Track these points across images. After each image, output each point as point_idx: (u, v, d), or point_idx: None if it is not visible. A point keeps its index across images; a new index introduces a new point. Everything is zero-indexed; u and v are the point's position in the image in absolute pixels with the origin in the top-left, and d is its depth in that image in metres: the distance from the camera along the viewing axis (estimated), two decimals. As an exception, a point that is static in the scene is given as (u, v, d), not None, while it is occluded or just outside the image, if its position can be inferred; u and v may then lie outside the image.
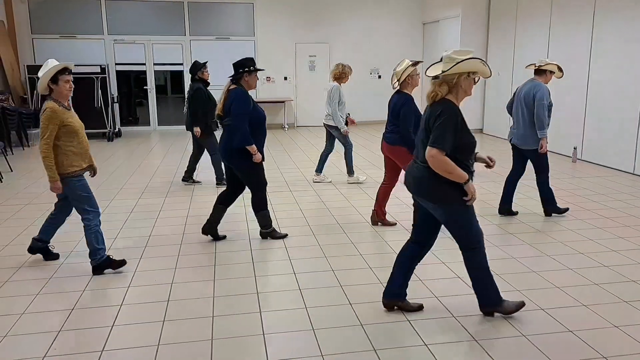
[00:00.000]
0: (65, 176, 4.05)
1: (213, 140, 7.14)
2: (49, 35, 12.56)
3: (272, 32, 13.54)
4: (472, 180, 3.20)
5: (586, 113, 8.79)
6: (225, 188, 5.10)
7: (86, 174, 4.28)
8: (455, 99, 3.22)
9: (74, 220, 5.73)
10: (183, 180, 7.51)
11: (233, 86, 4.74)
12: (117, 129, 12.40)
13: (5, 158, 8.68)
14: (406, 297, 3.59)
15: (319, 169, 7.51)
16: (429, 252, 4.65)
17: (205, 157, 7.54)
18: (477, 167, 3.58)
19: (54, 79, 3.96)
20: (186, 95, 7.23)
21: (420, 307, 3.60)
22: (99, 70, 11.65)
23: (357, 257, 4.59)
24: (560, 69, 5.48)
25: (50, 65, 3.94)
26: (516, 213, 5.78)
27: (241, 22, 13.46)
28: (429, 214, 3.39)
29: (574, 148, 8.85)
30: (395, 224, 5.51)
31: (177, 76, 13.59)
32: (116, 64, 12.99)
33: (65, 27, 12.63)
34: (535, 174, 5.63)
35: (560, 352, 3.06)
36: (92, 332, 3.34)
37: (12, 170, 8.26)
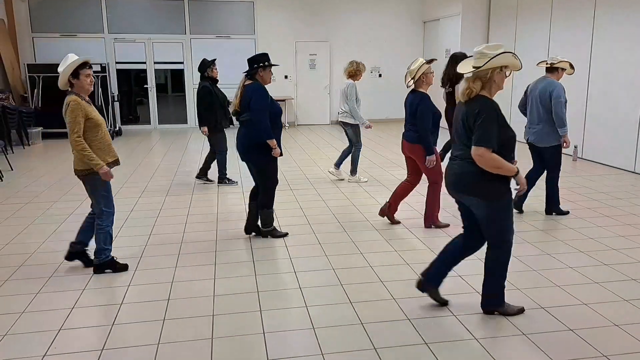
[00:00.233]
0: (90, 172, 4.02)
1: (221, 139, 7.13)
2: (49, 34, 12.55)
3: (273, 31, 13.53)
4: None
5: (587, 111, 8.78)
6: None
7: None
8: (489, 93, 3.22)
9: (75, 219, 5.73)
10: (197, 177, 7.48)
11: (249, 81, 4.76)
12: (117, 128, 12.40)
13: (6, 157, 8.68)
14: (439, 287, 3.59)
15: (339, 164, 7.55)
16: (430, 250, 4.66)
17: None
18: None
19: (75, 74, 3.93)
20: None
21: (446, 302, 3.62)
22: (100, 69, 11.65)
23: (357, 256, 4.59)
24: (572, 66, 5.51)
25: (70, 60, 3.91)
26: (522, 211, 5.80)
27: (241, 20, 13.45)
28: (472, 214, 3.38)
29: (575, 147, 8.84)
30: (399, 222, 5.50)
31: (178, 75, 13.58)
32: (116, 62, 12.99)
33: (66, 25, 12.62)
34: (546, 171, 5.63)
35: (561, 351, 3.06)
36: (92, 330, 3.34)
37: (12, 169, 8.25)
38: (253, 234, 5.13)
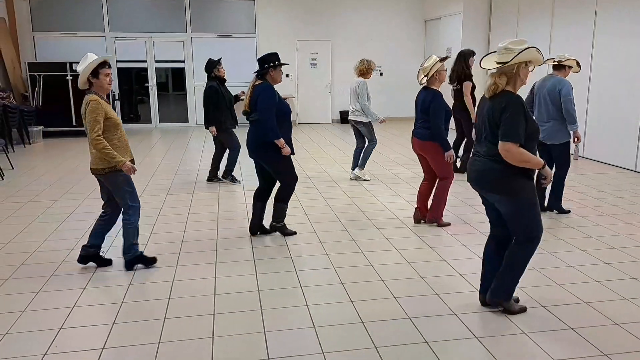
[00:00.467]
0: (110, 170, 4.02)
1: (232, 137, 7.14)
2: (50, 33, 12.56)
3: (274, 30, 13.53)
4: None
5: (588, 110, 8.77)
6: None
7: None
8: (514, 88, 3.23)
9: (76, 218, 5.74)
10: (208, 180, 7.41)
11: (258, 81, 4.78)
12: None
13: (7, 155, 8.68)
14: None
15: (355, 167, 7.52)
16: (431, 249, 4.66)
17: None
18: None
19: (95, 73, 3.95)
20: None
21: (517, 300, 3.57)
22: (100, 68, 11.63)
23: (358, 255, 4.59)
24: (578, 64, 5.53)
25: (90, 59, 3.93)
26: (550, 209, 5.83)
27: (243, 19, 13.45)
28: (497, 208, 3.39)
29: (576, 145, 8.81)
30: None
31: (179, 73, 13.58)
32: (117, 61, 12.99)
33: (67, 24, 12.62)
34: (555, 168, 5.64)
35: (561, 350, 3.05)
36: (92, 329, 3.35)
37: (13, 168, 8.26)
38: (258, 233, 5.13)
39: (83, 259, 4.34)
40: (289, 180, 4.94)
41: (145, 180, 7.51)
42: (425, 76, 5.04)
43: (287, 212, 5.13)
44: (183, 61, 13.35)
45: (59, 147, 10.39)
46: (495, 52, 3.32)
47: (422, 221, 5.46)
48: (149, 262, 4.34)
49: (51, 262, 4.49)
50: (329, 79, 14.05)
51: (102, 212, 4.31)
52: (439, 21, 13.28)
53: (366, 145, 7.40)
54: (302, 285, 3.97)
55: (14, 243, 4.98)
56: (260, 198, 5.08)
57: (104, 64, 3.98)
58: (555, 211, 5.75)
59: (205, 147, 10.44)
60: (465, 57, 7.40)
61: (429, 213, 5.39)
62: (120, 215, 4.26)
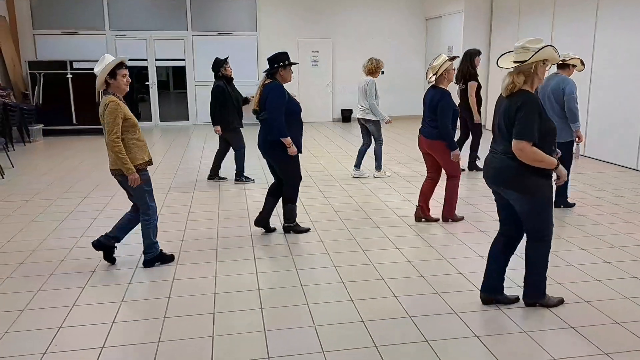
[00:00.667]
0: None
1: (237, 136, 7.13)
2: (51, 31, 12.54)
3: (275, 28, 13.52)
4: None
5: (589, 108, 8.75)
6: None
7: None
8: (531, 87, 3.26)
9: (76, 217, 5.73)
10: (209, 178, 7.40)
11: (268, 80, 4.81)
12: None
13: (7, 154, 8.68)
14: (504, 291, 3.60)
15: (358, 165, 7.57)
16: (432, 248, 4.65)
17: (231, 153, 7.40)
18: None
19: (112, 74, 3.97)
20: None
21: (517, 299, 3.60)
22: (101, 66, 11.62)
23: (359, 253, 4.58)
24: (582, 63, 5.55)
25: (107, 61, 3.95)
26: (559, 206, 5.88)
27: (244, 17, 13.43)
28: (510, 205, 3.40)
29: (577, 144, 8.80)
30: (439, 220, 5.45)
31: (179, 72, 13.57)
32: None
33: (67, 22, 12.61)
34: None
35: (561, 349, 3.05)
36: (92, 328, 3.34)
37: (13, 166, 8.26)
38: (262, 228, 5.17)
39: (98, 246, 4.32)
40: (294, 180, 4.98)
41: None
42: (434, 75, 5.07)
43: (273, 210, 5.15)
44: (184, 59, 13.34)
45: (59, 146, 10.38)
46: (511, 52, 3.35)
47: (422, 219, 5.45)
48: (168, 259, 4.40)
49: (51, 260, 4.48)
50: (330, 78, 14.03)
51: (133, 207, 4.36)
52: (440, 19, 13.26)
53: (373, 145, 7.44)
54: (303, 284, 3.96)
55: (14, 242, 4.97)
56: (273, 194, 5.12)
57: (121, 65, 4.00)
58: (562, 206, 5.80)
59: (206, 145, 10.43)
60: (471, 56, 7.40)
61: (442, 214, 5.41)
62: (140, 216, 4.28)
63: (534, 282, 3.48)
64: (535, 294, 3.51)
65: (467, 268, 4.22)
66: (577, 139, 5.54)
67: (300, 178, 5.02)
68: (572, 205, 5.88)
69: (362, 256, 4.53)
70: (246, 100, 7.23)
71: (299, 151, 4.86)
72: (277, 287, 3.94)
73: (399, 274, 4.13)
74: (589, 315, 3.45)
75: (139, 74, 13.51)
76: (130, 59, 12.94)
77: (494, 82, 11.91)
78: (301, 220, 5.48)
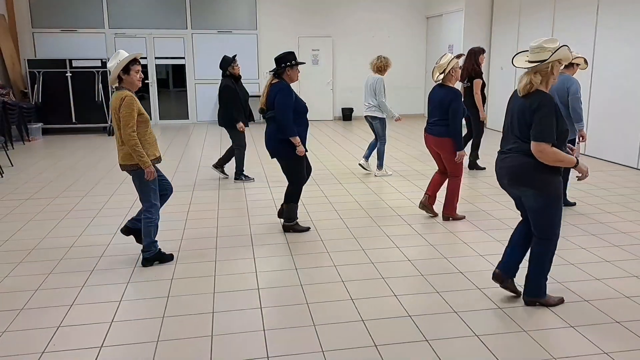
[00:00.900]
0: (140, 167, 4.09)
1: (240, 135, 7.13)
2: (50, 29, 12.53)
3: (275, 26, 13.50)
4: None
5: (590, 107, 8.73)
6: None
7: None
8: (546, 87, 3.28)
9: (75, 215, 5.72)
10: (214, 166, 7.44)
11: (275, 80, 4.85)
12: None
13: (6, 153, 8.67)
14: (514, 278, 3.63)
15: (368, 156, 7.69)
16: (432, 247, 4.64)
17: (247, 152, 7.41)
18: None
19: (126, 69, 4.02)
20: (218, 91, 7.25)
21: (520, 294, 3.63)
22: (100, 65, 11.62)
23: (359, 252, 4.57)
24: (586, 62, 5.56)
25: (121, 56, 4.00)
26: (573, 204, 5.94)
27: (243, 15, 13.42)
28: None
29: (577, 143, 8.78)
30: (437, 215, 5.53)
31: (179, 70, 13.55)
32: (118, 58, 12.94)
33: (66, 21, 12.60)
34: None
35: (561, 348, 3.04)
36: (91, 327, 3.33)
37: (12, 165, 8.25)
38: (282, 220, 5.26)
39: (127, 232, 4.46)
40: (297, 180, 5.02)
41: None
42: (441, 73, 5.12)
43: (273, 209, 5.16)
44: (183, 58, 13.32)
45: (59, 144, 10.37)
46: (524, 51, 3.39)
47: (425, 207, 5.50)
48: (167, 259, 4.40)
49: (50, 259, 4.47)
50: (331, 76, 14.02)
51: None
52: (441, 18, 13.24)
53: (377, 145, 7.46)
54: (303, 284, 3.95)
55: (12, 240, 4.96)
56: None
57: (135, 61, 4.05)
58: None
59: (206, 144, 10.42)
60: (475, 54, 7.43)
61: (443, 211, 5.43)
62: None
63: (536, 280, 3.49)
64: (536, 292, 3.52)
65: (468, 267, 4.21)
66: (580, 138, 5.55)
67: (303, 178, 5.06)
68: (573, 204, 5.89)
69: (362, 255, 4.52)
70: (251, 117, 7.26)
71: (305, 149, 4.91)
72: (276, 286, 3.93)
73: (399, 273, 4.12)
74: (589, 314, 3.45)
75: (138, 72, 13.48)
76: (129, 57, 13.07)
77: (493, 81, 11.88)
78: (301, 219, 5.46)
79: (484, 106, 7.50)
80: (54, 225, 5.37)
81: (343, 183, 7.10)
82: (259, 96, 9.86)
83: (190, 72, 13.41)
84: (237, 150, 7.18)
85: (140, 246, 4.39)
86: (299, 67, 4.94)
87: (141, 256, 4.36)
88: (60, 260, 4.46)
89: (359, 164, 7.73)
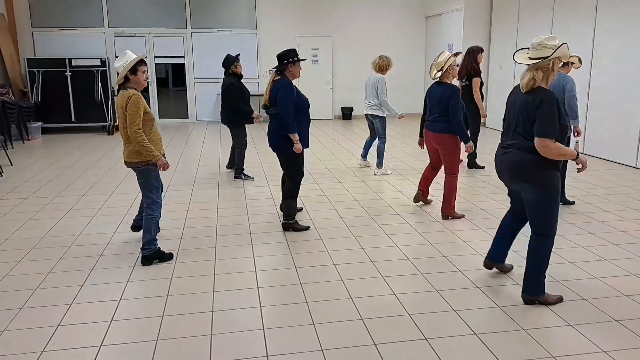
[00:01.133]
0: (145, 164, 4.23)
1: (243, 132, 7.20)
2: (49, 29, 12.52)
3: (274, 25, 13.49)
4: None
5: (588, 106, 8.74)
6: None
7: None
8: (546, 84, 3.35)
9: (74, 214, 5.73)
10: (227, 167, 7.74)
11: (278, 77, 4.93)
12: (117, 123, 12.38)
13: (5, 152, 8.67)
14: (504, 262, 4.00)
15: (365, 155, 7.88)
16: (431, 245, 4.64)
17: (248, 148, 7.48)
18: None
19: (133, 70, 4.16)
20: (221, 89, 7.31)
21: (512, 267, 4.04)
22: (99, 64, 11.62)
23: (358, 251, 4.58)
24: (580, 60, 5.61)
25: (129, 57, 4.14)
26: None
27: (243, 14, 13.41)
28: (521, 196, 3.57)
29: (576, 141, 8.78)
30: (432, 201, 5.90)
31: (179, 69, 13.55)
32: (116, 57, 12.91)
33: (66, 20, 12.59)
34: None
35: (560, 346, 3.05)
36: (90, 327, 3.33)
37: (11, 164, 8.24)
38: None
39: (136, 229, 4.83)
40: (296, 176, 5.09)
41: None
42: (439, 71, 5.22)
43: (272, 208, 5.18)
44: (183, 57, 13.32)
45: (58, 143, 10.37)
46: (525, 48, 3.48)
47: (420, 202, 5.73)
48: (166, 257, 4.42)
49: (49, 259, 4.47)
50: (330, 75, 14.02)
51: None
52: (440, 17, 13.24)
53: (377, 143, 7.51)
54: (302, 282, 3.96)
55: (12, 240, 4.96)
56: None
57: (142, 62, 4.21)
58: (561, 203, 5.81)
59: (205, 143, 10.42)
60: (474, 53, 7.48)
61: (442, 208, 5.49)
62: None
63: (535, 278, 3.51)
64: (535, 290, 3.53)
65: (466, 266, 4.21)
66: (576, 134, 5.66)
67: (302, 175, 5.13)
68: (572, 203, 5.90)
69: (361, 254, 4.52)
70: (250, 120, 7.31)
71: (306, 145, 4.99)
72: (276, 285, 3.93)
73: (398, 272, 4.12)
74: (587, 312, 3.45)
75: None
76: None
77: (493, 80, 11.89)
78: (301, 218, 5.47)
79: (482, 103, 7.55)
80: (54, 224, 5.37)
81: (342, 182, 7.10)
82: (258, 95, 9.94)
83: (190, 71, 13.41)
84: (237, 149, 7.21)
85: (140, 245, 4.40)
86: (300, 63, 5.01)
87: (139, 256, 4.37)
88: (60, 259, 4.46)
89: (358, 164, 7.79)
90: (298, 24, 13.62)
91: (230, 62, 7.09)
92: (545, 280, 3.56)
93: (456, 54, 5.25)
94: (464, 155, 7.82)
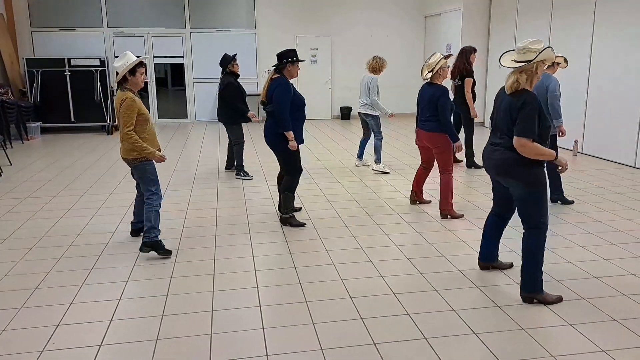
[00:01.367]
0: (140, 160, 4.37)
1: (241, 130, 7.29)
2: (49, 28, 12.51)
3: (273, 25, 13.49)
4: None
5: (587, 106, 8.75)
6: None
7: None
8: (530, 86, 3.45)
9: (73, 214, 5.73)
10: (226, 169, 7.77)
11: (276, 75, 5.03)
12: (116, 122, 12.37)
13: (5, 151, 8.66)
14: (498, 259, 4.10)
15: (361, 155, 8.01)
16: (430, 245, 4.66)
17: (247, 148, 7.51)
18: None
19: (132, 71, 4.29)
20: (218, 88, 7.39)
21: (511, 265, 4.12)
22: (99, 64, 11.61)
23: (357, 250, 4.58)
24: (565, 60, 5.65)
25: (130, 58, 4.27)
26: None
27: (242, 14, 13.41)
28: (504, 190, 3.71)
29: (575, 141, 8.82)
30: (430, 201, 5.94)
31: (178, 69, 13.54)
32: (115, 56, 12.92)
33: (65, 20, 12.58)
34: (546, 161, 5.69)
35: (559, 346, 3.05)
36: (90, 326, 3.34)
37: (11, 164, 8.24)
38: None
39: (135, 233, 4.91)
40: (294, 171, 5.18)
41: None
42: (429, 72, 5.33)
43: (272, 207, 5.21)
44: (182, 57, 13.31)
45: (57, 143, 10.36)
46: (511, 50, 3.57)
47: (417, 202, 5.87)
48: (164, 252, 4.46)
49: (48, 258, 4.47)
50: (329, 75, 14.02)
51: (138, 193, 4.81)
52: (439, 17, 13.25)
53: (374, 140, 7.58)
54: (301, 282, 3.96)
55: (11, 239, 4.96)
56: (282, 181, 5.36)
57: (141, 64, 4.36)
58: (559, 202, 5.88)
59: (205, 142, 10.42)
60: (467, 53, 7.54)
61: (439, 207, 5.53)
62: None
63: (531, 273, 3.53)
64: (532, 285, 3.54)
65: (465, 265, 4.22)
66: (560, 133, 5.68)
67: (300, 170, 5.22)
68: (571, 202, 5.91)
69: (360, 253, 4.52)
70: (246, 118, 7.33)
71: (301, 141, 5.09)
72: (275, 284, 3.94)
73: (397, 271, 4.13)
74: (586, 312, 3.46)
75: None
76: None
77: (492, 79, 11.90)
78: (300, 217, 5.48)
79: (474, 103, 7.60)
80: (53, 224, 5.38)
81: (341, 181, 7.10)
82: (256, 95, 9.96)
83: (189, 71, 13.40)
84: (236, 146, 7.25)
85: (139, 245, 4.43)
86: (299, 64, 5.10)
87: (140, 255, 4.37)
88: (60, 258, 4.46)
89: (355, 165, 7.90)
90: (297, 23, 13.62)
91: (227, 62, 7.18)
92: (545, 280, 3.56)
93: (447, 57, 5.34)
94: (463, 155, 7.85)
